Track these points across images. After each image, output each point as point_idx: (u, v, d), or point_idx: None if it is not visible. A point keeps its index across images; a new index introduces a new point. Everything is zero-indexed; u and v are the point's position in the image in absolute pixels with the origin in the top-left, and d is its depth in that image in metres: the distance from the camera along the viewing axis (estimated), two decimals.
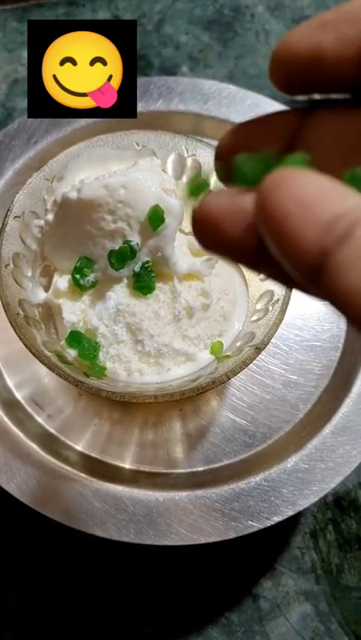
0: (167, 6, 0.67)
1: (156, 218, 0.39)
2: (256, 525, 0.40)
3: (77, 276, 0.41)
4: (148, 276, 0.40)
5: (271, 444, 0.44)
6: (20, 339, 0.38)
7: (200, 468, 0.43)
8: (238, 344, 0.41)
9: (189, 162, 0.44)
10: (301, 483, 0.41)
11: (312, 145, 0.19)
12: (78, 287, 0.41)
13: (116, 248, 0.40)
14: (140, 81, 0.52)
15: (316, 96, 0.20)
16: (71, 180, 0.42)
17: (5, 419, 0.43)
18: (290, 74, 0.19)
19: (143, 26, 0.65)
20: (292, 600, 0.45)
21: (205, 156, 0.44)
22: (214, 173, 0.24)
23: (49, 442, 0.43)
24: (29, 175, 0.42)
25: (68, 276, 0.41)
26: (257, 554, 0.46)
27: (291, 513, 0.40)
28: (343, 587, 0.46)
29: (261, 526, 0.40)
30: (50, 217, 0.41)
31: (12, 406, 0.44)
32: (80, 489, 0.41)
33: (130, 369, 0.40)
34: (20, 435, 0.43)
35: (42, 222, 0.42)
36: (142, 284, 0.40)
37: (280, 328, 0.46)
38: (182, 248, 0.42)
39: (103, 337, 0.40)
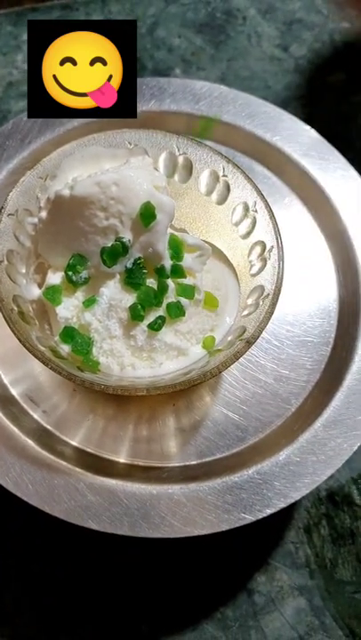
0: (160, 10, 0.67)
1: (147, 214, 0.39)
2: (249, 518, 0.40)
3: (70, 273, 0.41)
4: (140, 272, 0.41)
5: (263, 438, 0.44)
6: (15, 334, 0.38)
7: (193, 462, 0.43)
8: (230, 338, 0.41)
9: (181, 160, 0.45)
10: (293, 475, 0.41)
11: None
12: (71, 284, 0.41)
13: (109, 244, 0.40)
14: None
15: None
16: (64, 179, 0.42)
17: (0, 414, 0.43)
18: None
19: (137, 29, 0.66)
20: (286, 595, 0.46)
21: (196, 155, 0.44)
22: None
23: (44, 437, 0.44)
24: (23, 174, 0.43)
25: (62, 273, 0.42)
26: (251, 549, 0.46)
27: (283, 505, 0.40)
28: (337, 581, 0.46)
29: (254, 518, 0.40)
30: (43, 214, 0.42)
31: (7, 402, 0.45)
32: (75, 483, 0.41)
33: (123, 363, 0.41)
34: (15, 430, 0.43)
35: (35, 220, 0.42)
36: (134, 280, 0.40)
37: (272, 324, 0.47)
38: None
39: (96, 332, 0.41)
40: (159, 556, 0.46)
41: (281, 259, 0.40)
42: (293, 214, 0.52)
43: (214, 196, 0.45)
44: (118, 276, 0.41)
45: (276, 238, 0.41)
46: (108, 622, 0.44)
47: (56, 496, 0.40)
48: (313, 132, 0.53)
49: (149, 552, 0.46)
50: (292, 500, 0.41)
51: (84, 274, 0.41)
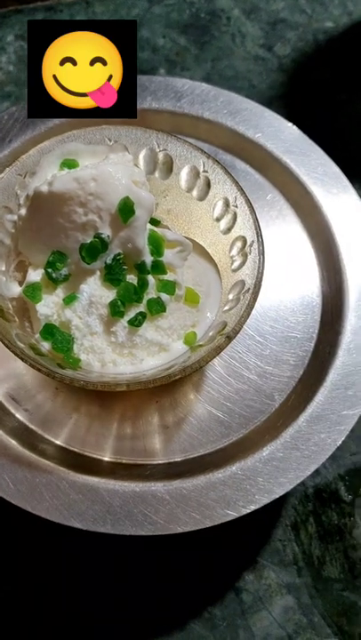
0: (144, 10, 0.68)
1: (126, 210, 0.39)
2: (232, 514, 0.40)
3: (50, 270, 0.41)
4: (120, 268, 0.40)
5: (247, 434, 0.44)
6: None
7: (177, 459, 0.43)
8: (211, 333, 0.41)
9: (161, 156, 0.45)
10: (277, 471, 0.41)
11: None
12: (51, 281, 0.41)
13: (88, 241, 0.40)
14: None
15: None
16: (43, 176, 0.42)
17: None
18: None
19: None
20: (274, 593, 0.45)
21: (177, 151, 0.44)
22: None
23: (27, 436, 0.43)
24: (2, 172, 0.43)
25: (42, 270, 0.41)
26: (239, 547, 0.46)
27: (267, 501, 0.40)
28: (325, 579, 0.46)
29: (238, 515, 0.40)
30: (23, 212, 0.42)
31: None
32: (57, 481, 0.41)
33: (104, 360, 0.41)
34: None
35: (15, 217, 0.42)
36: (113, 276, 0.40)
37: (255, 320, 0.47)
38: None
39: (77, 329, 0.41)
40: (146, 555, 0.45)
41: (261, 253, 0.40)
42: (276, 211, 0.52)
43: (195, 192, 0.45)
44: (98, 273, 0.41)
45: (257, 233, 0.41)
46: (93, 622, 0.44)
47: (38, 495, 0.40)
48: (295, 129, 0.53)
49: (136, 551, 0.45)
50: (276, 496, 0.40)
51: (64, 271, 0.41)
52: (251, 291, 0.39)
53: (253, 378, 0.46)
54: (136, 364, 0.41)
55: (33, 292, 0.41)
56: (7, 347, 0.37)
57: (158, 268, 0.41)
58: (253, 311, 0.39)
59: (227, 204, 0.43)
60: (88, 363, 0.41)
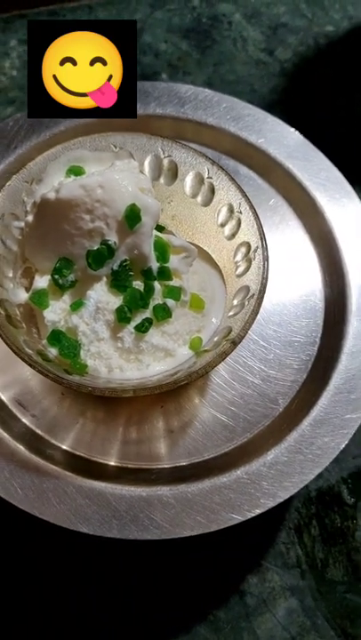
0: (146, 15, 0.68)
1: (132, 216, 0.40)
2: (237, 518, 0.40)
3: (57, 277, 0.41)
4: (126, 274, 0.41)
5: (251, 438, 0.44)
6: (2, 337, 0.38)
7: (182, 463, 0.43)
8: (216, 339, 0.41)
9: (166, 163, 0.45)
10: (281, 475, 0.41)
11: None
12: (58, 287, 0.41)
13: (95, 247, 0.40)
14: None
15: None
16: (50, 182, 0.42)
17: None
18: None
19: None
20: (278, 595, 0.46)
21: (181, 157, 0.45)
22: None
23: (33, 441, 0.44)
24: (9, 179, 0.43)
25: (49, 277, 0.42)
26: (242, 550, 0.46)
27: (271, 504, 0.40)
28: (328, 581, 0.46)
29: (243, 518, 0.40)
30: (30, 218, 0.42)
31: None
32: (64, 486, 0.41)
33: (110, 366, 0.41)
34: (4, 435, 0.43)
35: (22, 224, 0.42)
36: (120, 283, 0.41)
37: (259, 325, 0.47)
38: None
39: (84, 335, 0.41)
40: (150, 559, 0.46)
41: (266, 259, 0.41)
42: (279, 216, 0.52)
43: (200, 198, 0.45)
44: (105, 279, 0.41)
45: (261, 239, 0.41)
46: (98, 625, 0.44)
47: (46, 500, 0.40)
48: (297, 135, 0.53)
49: (141, 555, 0.45)
50: (281, 500, 0.41)
51: (70, 277, 0.41)
52: (255, 296, 0.40)
53: (257, 382, 0.46)
54: (142, 369, 0.41)
55: (40, 298, 0.41)
56: (16, 353, 0.38)
57: (164, 274, 0.42)
58: (257, 316, 0.40)
59: (231, 209, 0.44)
60: (95, 368, 0.41)
